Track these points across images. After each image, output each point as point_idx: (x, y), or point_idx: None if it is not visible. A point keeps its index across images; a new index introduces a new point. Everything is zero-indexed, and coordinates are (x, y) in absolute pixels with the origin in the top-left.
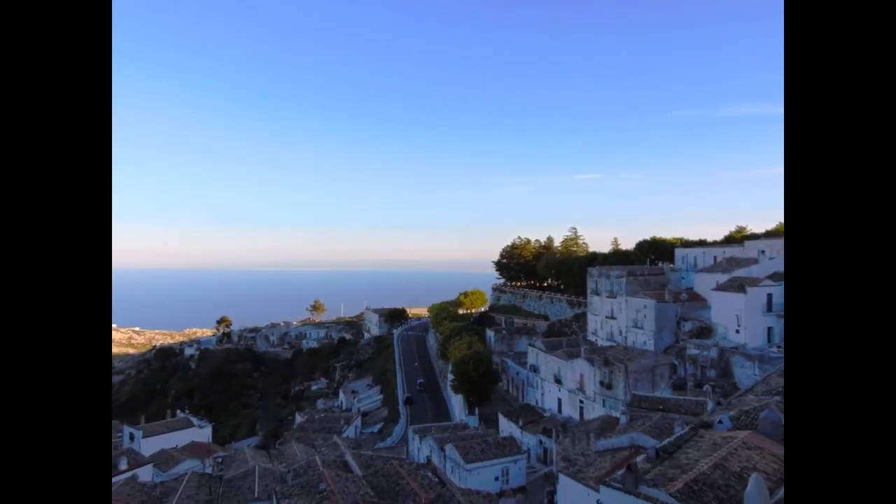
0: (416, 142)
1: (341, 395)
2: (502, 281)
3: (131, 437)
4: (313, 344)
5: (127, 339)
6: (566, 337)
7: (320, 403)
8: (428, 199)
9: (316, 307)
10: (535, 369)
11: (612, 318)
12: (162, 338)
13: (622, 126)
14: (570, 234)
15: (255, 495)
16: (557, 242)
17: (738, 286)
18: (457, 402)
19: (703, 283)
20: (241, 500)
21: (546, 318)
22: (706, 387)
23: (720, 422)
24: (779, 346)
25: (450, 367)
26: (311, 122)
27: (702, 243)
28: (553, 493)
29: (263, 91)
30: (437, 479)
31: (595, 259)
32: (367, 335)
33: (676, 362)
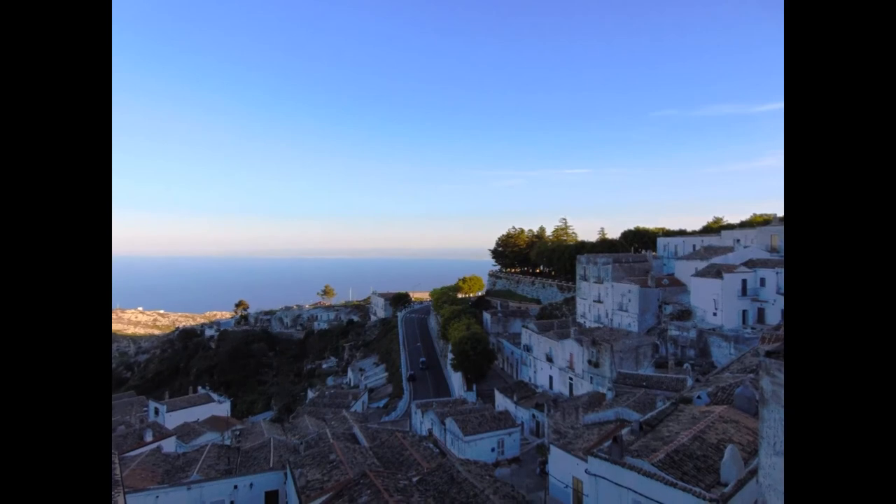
0: (420, 141)
1: (349, 373)
2: (498, 268)
3: (156, 412)
4: (324, 326)
5: (152, 321)
6: (557, 319)
7: (330, 380)
8: (431, 192)
9: (326, 292)
10: (528, 349)
11: (600, 301)
12: (184, 320)
13: (609, 125)
14: (560, 224)
15: (271, 465)
16: (549, 232)
17: (716, 272)
18: (456, 379)
19: (683, 270)
20: (257, 469)
21: (538, 301)
22: (686, 365)
23: (699, 397)
24: (753, 328)
25: (450, 347)
26: (323, 121)
27: (682, 233)
28: (545, 462)
29: (279, 91)
30: (437, 450)
31: (583, 247)
32: (373, 318)
33: (658, 342)
